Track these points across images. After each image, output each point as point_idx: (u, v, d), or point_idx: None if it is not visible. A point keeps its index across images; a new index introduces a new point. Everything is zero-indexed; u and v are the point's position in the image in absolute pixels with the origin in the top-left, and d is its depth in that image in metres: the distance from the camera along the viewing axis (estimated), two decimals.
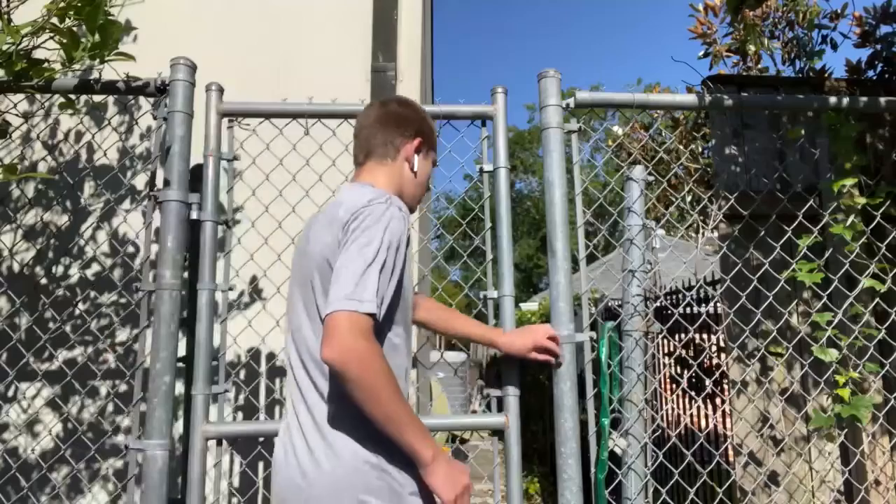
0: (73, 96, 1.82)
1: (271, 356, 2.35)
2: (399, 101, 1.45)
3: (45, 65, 1.68)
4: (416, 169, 1.36)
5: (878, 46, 2.95)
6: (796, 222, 2.09)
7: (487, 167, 1.82)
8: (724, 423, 3.82)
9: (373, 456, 1.17)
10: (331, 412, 1.19)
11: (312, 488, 1.16)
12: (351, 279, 1.10)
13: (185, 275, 1.66)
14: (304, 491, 1.16)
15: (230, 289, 1.73)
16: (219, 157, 1.73)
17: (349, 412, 1.16)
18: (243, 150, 1.85)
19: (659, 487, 1.93)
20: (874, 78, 2.92)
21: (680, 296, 3.87)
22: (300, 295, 1.29)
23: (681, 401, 4.40)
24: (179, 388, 1.65)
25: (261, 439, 2.32)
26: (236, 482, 2.33)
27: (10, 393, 2.33)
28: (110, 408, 2.36)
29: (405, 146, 1.36)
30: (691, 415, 4.28)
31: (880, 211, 2.10)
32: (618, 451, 1.92)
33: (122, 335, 2.41)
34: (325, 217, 1.28)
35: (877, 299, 2.12)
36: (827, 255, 2.25)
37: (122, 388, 2.33)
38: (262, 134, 1.87)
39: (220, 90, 1.76)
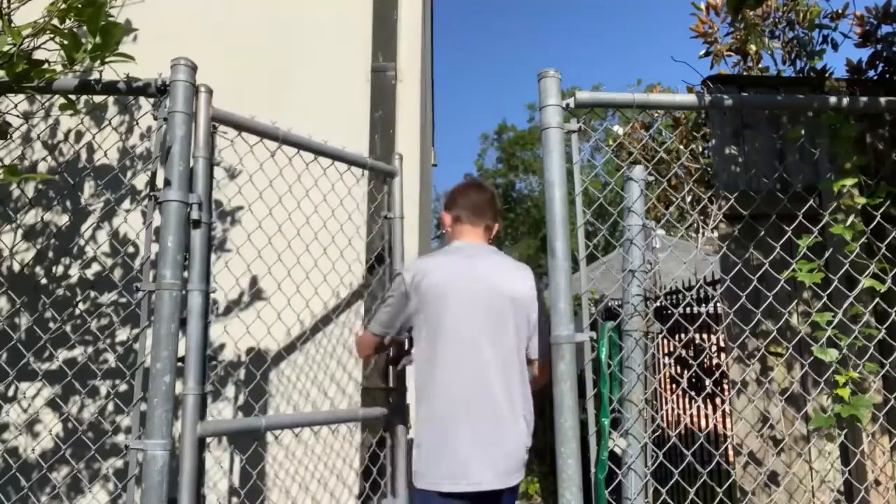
0: (73, 97, 1.82)
1: (261, 356, 2.34)
2: (493, 189, 2.20)
3: (46, 66, 1.68)
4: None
5: (879, 46, 2.94)
6: (796, 222, 2.09)
7: (390, 215, 2.33)
8: (724, 423, 3.82)
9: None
10: (520, 402, 1.93)
11: (515, 443, 1.89)
12: (546, 339, 1.74)
13: (185, 274, 1.66)
14: (506, 445, 1.88)
15: (212, 291, 1.75)
16: (210, 160, 1.74)
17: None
18: (222, 156, 1.89)
19: (659, 487, 1.93)
20: (875, 78, 2.92)
21: (680, 296, 3.87)
22: (485, 316, 1.89)
23: (681, 401, 4.40)
24: (179, 387, 1.65)
25: (256, 439, 2.33)
26: (236, 481, 2.33)
27: (10, 393, 2.34)
28: (110, 408, 2.36)
29: (497, 225, 2.08)
30: (691, 415, 4.28)
31: (880, 211, 2.10)
32: (618, 451, 1.92)
33: (122, 335, 2.41)
34: (508, 269, 1.98)
35: (877, 299, 2.12)
36: (827, 255, 2.25)
37: (122, 388, 2.33)
38: (249, 142, 1.91)
39: (210, 92, 1.76)
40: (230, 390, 2.41)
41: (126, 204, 2.48)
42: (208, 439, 1.67)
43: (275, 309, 2.21)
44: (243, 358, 2.38)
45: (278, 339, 2.35)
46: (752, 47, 3.63)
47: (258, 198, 2.04)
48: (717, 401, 3.63)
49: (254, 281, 2.44)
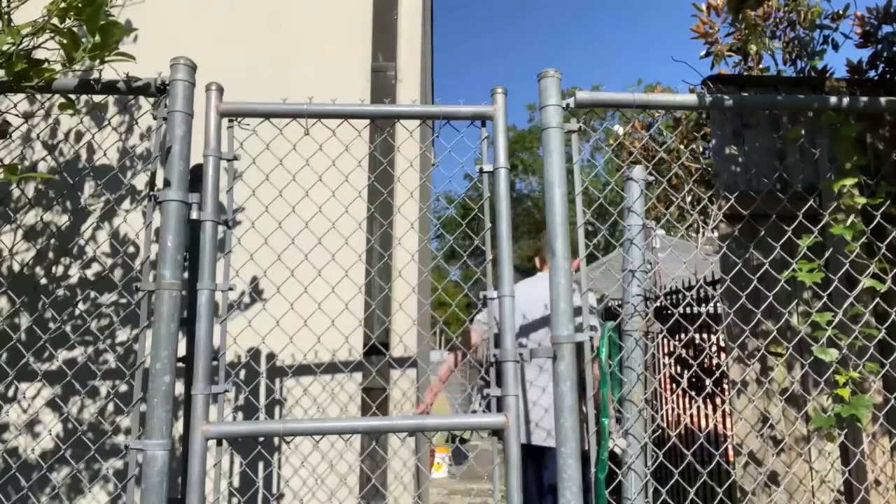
0: (73, 96, 1.82)
1: (271, 356, 2.35)
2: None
3: (46, 65, 1.68)
4: None
5: (880, 46, 2.95)
6: (796, 222, 2.09)
7: (487, 167, 1.82)
8: (724, 423, 3.82)
9: None
10: None
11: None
12: None
13: (185, 275, 1.66)
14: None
15: (230, 289, 1.73)
16: (219, 157, 1.73)
17: None
18: (243, 150, 1.85)
19: (659, 487, 1.93)
20: (875, 78, 2.92)
21: (680, 296, 3.87)
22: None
23: (681, 401, 4.40)
24: (179, 388, 1.64)
25: (261, 439, 2.33)
26: (236, 482, 2.33)
27: (10, 393, 2.34)
28: (110, 408, 2.36)
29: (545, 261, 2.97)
30: (691, 415, 4.28)
31: (880, 211, 2.10)
32: (618, 451, 1.92)
33: (122, 335, 2.41)
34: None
35: (877, 299, 2.12)
36: (827, 255, 2.25)
37: (123, 388, 2.33)
38: (262, 134, 1.87)
39: (220, 90, 1.76)
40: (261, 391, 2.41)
41: (126, 204, 2.48)
42: (211, 441, 1.66)
43: (340, 300, 2.18)
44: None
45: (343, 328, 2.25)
46: (753, 47, 3.63)
47: (291, 180, 1.95)
48: (717, 401, 3.63)
49: (279, 273, 2.43)
